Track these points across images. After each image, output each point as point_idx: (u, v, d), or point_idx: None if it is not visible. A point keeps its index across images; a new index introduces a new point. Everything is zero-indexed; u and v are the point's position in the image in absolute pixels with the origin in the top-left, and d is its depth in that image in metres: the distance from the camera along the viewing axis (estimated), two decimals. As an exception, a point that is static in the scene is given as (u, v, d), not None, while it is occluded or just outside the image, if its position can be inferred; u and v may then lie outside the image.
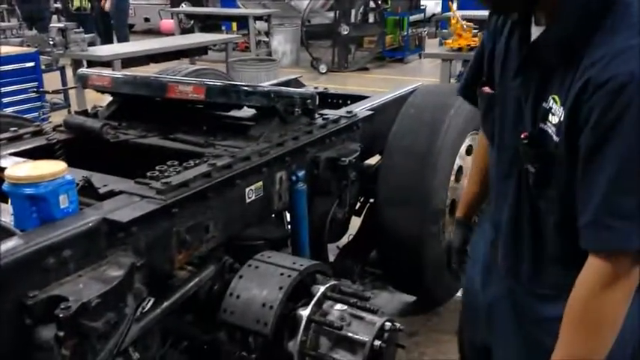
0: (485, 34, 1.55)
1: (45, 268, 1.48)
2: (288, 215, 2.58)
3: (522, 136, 1.26)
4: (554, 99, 1.19)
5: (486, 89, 1.45)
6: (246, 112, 2.60)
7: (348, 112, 2.74)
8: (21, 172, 1.58)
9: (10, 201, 1.66)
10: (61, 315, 1.38)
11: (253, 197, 2.18)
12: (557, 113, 1.18)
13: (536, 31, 1.28)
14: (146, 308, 1.74)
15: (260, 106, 2.40)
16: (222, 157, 2.10)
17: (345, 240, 3.07)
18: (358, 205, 3.07)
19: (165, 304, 1.80)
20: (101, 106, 2.74)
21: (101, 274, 1.57)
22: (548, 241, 1.33)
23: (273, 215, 2.47)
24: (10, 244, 1.46)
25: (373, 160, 3.06)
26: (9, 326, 1.42)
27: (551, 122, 1.20)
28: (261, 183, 2.20)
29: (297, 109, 2.41)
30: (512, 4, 1.28)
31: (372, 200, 3.03)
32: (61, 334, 1.39)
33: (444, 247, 2.79)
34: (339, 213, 2.66)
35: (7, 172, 1.58)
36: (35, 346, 1.42)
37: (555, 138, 1.20)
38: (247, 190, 2.14)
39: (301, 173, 2.36)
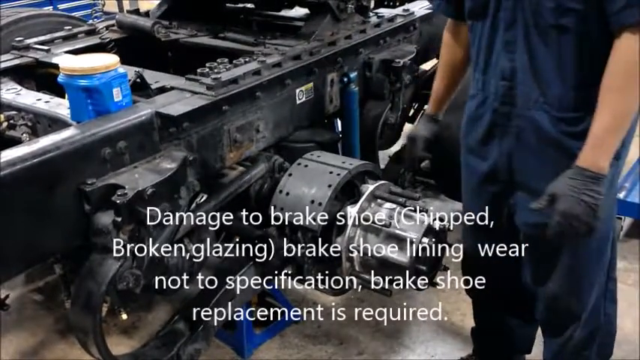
0: None
1: (101, 158, 1.53)
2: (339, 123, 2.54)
3: None
4: None
5: None
6: (298, 11, 2.51)
7: (405, 11, 2.60)
8: (74, 64, 1.60)
9: (66, 95, 1.70)
10: (118, 201, 1.44)
11: (304, 99, 2.14)
12: None
13: None
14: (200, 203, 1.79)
15: (311, 2, 2.30)
16: (271, 55, 2.05)
17: (396, 148, 3.02)
18: (411, 112, 2.97)
19: (218, 198, 1.84)
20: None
21: (155, 165, 1.62)
22: (568, 67, 1.52)
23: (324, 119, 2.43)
24: (66, 133, 1.51)
25: (428, 66, 2.93)
26: (71, 213, 1.49)
27: None
28: (311, 84, 2.15)
29: (350, 6, 2.29)
30: None
31: (426, 107, 2.92)
32: (119, 219, 1.45)
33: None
34: (391, 118, 2.59)
35: (61, 64, 1.61)
36: (94, 231, 1.49)
37: None
38: (298, 91, 2.11)
39: (353, 75, 2.28)
